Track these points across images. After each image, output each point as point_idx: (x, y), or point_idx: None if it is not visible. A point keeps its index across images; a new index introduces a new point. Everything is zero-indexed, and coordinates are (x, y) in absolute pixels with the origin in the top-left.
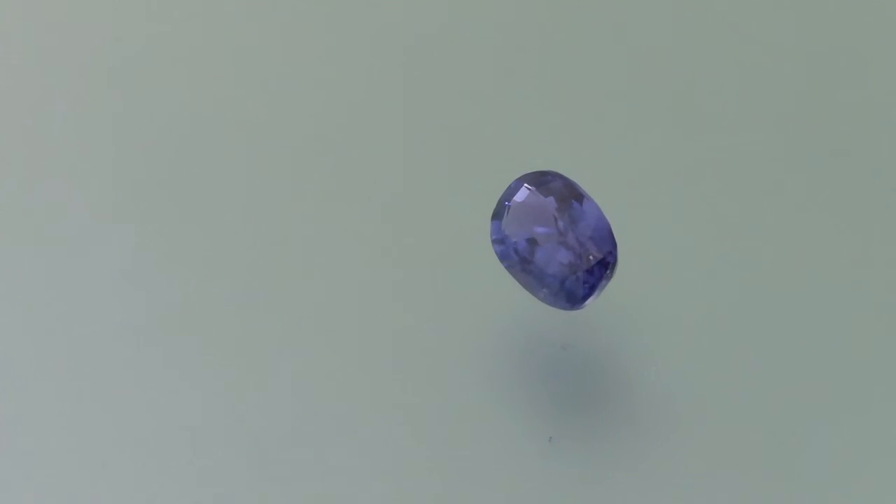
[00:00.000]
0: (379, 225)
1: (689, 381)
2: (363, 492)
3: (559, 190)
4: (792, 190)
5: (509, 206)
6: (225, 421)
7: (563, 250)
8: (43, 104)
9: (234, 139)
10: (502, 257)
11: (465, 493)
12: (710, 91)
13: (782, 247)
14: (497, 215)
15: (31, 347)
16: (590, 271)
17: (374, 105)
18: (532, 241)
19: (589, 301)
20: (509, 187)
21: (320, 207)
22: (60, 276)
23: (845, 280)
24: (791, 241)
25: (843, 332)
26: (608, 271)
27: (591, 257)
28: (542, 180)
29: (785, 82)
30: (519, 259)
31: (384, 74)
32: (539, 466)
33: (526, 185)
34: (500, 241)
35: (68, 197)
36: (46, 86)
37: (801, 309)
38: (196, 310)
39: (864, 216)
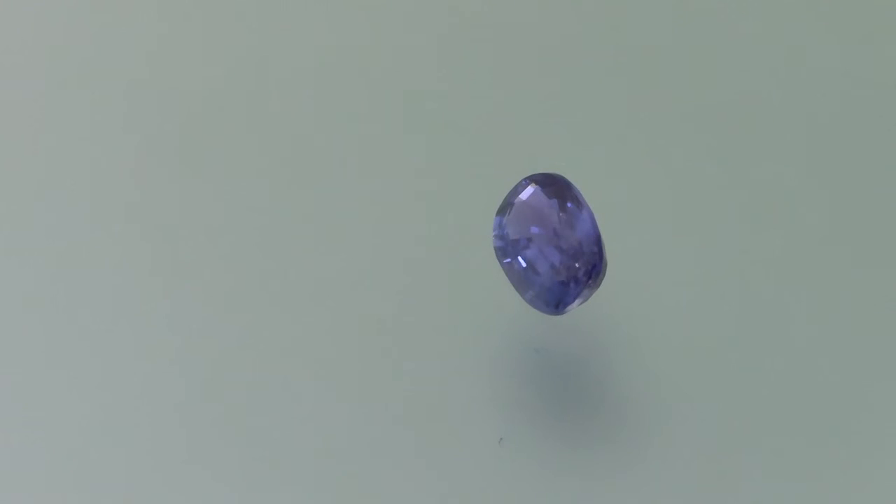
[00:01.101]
0: (383, 218)
1: (662, 391)
2: (343, 486)
3: (562, 194)
4: (784, 201)
5: (513, 204)
6: (218, 416)
7: (555, 254)
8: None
9: (230, 139)
10: (499, 253)
11: (412, 488)
12: (715, 105)
13: (773, 259)
14: (501, 211)
15: (32, 335)
16: (576, 278)
17: (383, 105)
18: (528, 241)
19: (572, 307)
20: (517, 185)
21: (325, 203)
22: (61, 272)
23: (827, 296)
24: (783, 252)
25: (817, 351)
26: (591, 280)
27: (577, 264)
28: (548, 181)
29: (788, 95)
30: (513, 257)
31: (400, 72)
32: (487, 467)
33: (532, 184)
34: (500, 236)
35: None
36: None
37: (786, 327)
38: (195, 305)
39: (860, 219)
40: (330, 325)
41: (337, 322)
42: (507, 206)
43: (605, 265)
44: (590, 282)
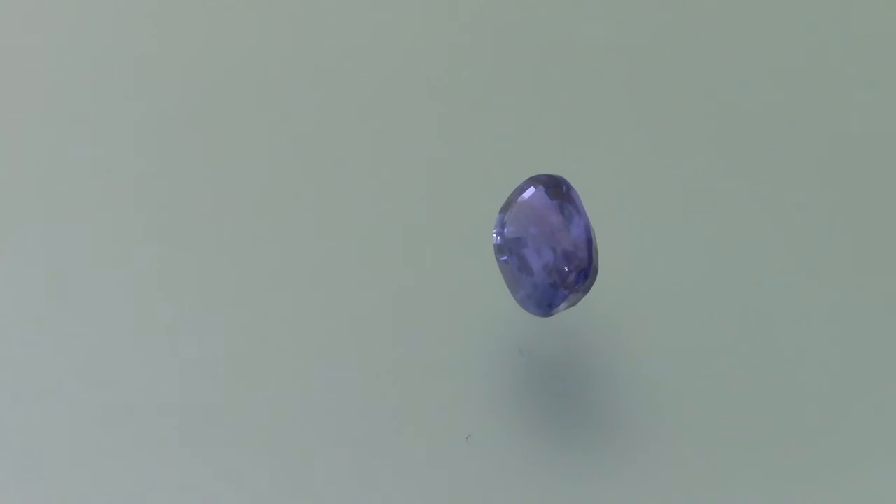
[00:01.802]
0: (383, 219)
1: (648, 393)
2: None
3: (563, 196)
4: (780, 203)
5: (515, 203)
6: (217, 416)
7: (550, 255)
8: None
9: (231, 138)
10: (497, 250)
11: (399, 485)
12: (714, 107)
13: (768, 261)
14: (503, 209)
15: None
16: (566, 282)
17: (384, 104)
18: (526, 240)
19: (560, 308)
20: (521, 184)
21: (326, 201)
22: (60, 271)
23: (824, 297)
24: (778, 253)
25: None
26: (580, 284)
27: (567, 268)
28: (551, 183)
29: (788, 97)
30: (509, 255)
31: (410, 74)
32: (467, 465)
33: (535, 185)
34: (499, 233)
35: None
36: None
37: (780, 329)
38: (195, 305)
39: (858, 223)
40: (327, 324)
41: (335, 321)
42: (509, 205)
43: (596, 271)
44: (578, 286)
